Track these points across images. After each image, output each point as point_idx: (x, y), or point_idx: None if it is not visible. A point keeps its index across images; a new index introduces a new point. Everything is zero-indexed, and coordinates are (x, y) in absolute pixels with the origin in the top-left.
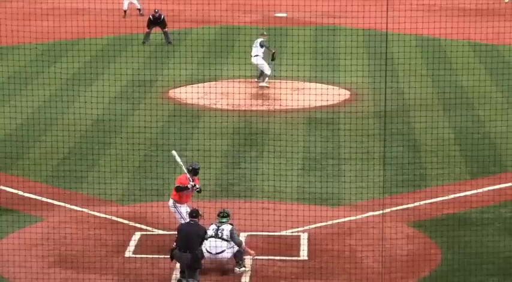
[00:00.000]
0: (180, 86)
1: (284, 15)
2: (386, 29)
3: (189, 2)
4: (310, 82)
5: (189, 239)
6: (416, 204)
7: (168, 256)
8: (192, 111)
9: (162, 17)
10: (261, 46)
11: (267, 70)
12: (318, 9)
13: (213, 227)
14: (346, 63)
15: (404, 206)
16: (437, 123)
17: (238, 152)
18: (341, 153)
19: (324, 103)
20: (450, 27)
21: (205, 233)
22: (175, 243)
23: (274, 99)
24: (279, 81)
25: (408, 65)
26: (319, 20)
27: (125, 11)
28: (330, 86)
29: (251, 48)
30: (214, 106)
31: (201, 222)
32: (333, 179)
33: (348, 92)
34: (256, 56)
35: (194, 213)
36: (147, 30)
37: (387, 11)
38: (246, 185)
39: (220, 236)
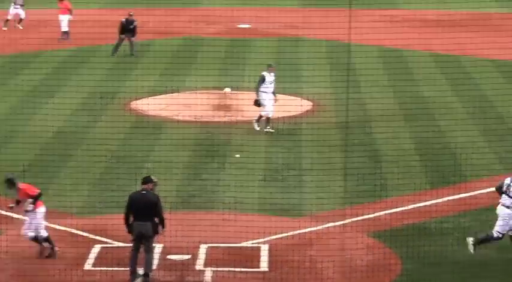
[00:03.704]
0: (142, 98)
1: (247, 26)
2: (349, 39)
3: (152, 13)
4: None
5: (144, 209)
6: (377, 214)
7: (128, 269)
8: (154, 123)
9: (135, 23)
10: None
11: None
12: (281, 21)
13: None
14: (308, 74)
15: (365, 217)
16: (398, 134)
17: (200, 164)
18: (302, 164)
19: (286, 114)
20: (412, 38)
21: (158, 199)
22: (125, 217)
23: (237, 111)
24: (241, 92)
25: (370, 75)
26: (282, 31)
27: (7, 21)
28: (292, 97)
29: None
30: (176, 117)
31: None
32: (294, 189)
33: (310, 103)
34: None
35: (144, 180)
36: (119, 37)
37: (350, 22)
38: (207, 196)
39: None
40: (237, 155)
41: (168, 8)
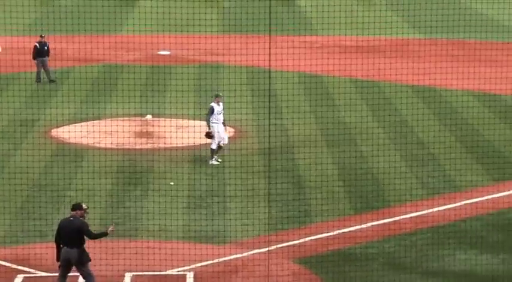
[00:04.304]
0: (63, 125)
1: (167, 53)
2: (269, 66)
3: (71, 40)
4: (194, 120)
5: (71, 234)
6: (302, 240)
7: None
8: (76, 151)
9: (48, 44)
10: (211, 111)
11: (213, 143)
12: (202, 47)
13: None
14: (230, 100)
15: (290, 243)
16: (321, 160)
17: (123, 191)
18: (226, 191)
19: (209, 141)
20: (332, 64)
21: (86, 226)
22: (55, 243)
23: (159, 137)
24: (163, 119)
25: (291, 101)
26: (203, 57)
27: None
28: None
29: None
30: (97, 145)
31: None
32: (218, 216)
33: (232, 129)
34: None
35: (73, 207)
36: (35, 62)
37: (269, 48)
38: (131, 224)
39: None
40: (172, 183)
41: (87, 35)
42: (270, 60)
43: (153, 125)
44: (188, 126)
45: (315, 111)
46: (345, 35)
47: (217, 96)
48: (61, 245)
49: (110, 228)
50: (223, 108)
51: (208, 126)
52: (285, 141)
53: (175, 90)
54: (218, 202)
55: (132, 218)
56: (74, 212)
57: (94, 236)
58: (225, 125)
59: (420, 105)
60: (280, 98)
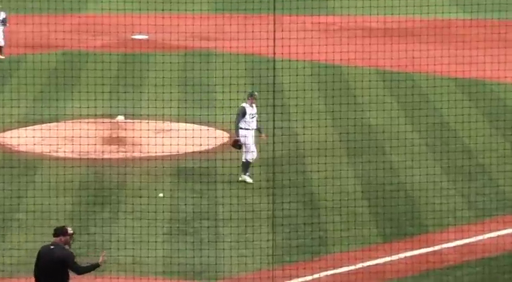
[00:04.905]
0: (10, 129)
1: (144, 37)
2: (274, 53)
3: (22, 21)
4: (178, 122)
5: (51, 267)
6: (315, 276)
7: None
8: (27, 161)
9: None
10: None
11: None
12: (188, 30)
13: None
14: (224, 97)
15: (300, 280)
16: (339, 173)
17: (87, 213)
18: (218, 213)
19: (197, 148)
20: (353, 51)
21: (72, 257)
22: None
23: (133, 145)
24: (138, 121)
25: (302, 99)
26: (190, 43)
27: None
28: (204, 127)
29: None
30: (55, 154)
31: None
32: (209, 245)
33: (226, 134)
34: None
35: (55, 231)
36: None
37: (274, 31)
38: (97, 255)
39: None
40: (160, 195)
41: (42, 15)
42: (274, 47)
43: (125, 129)
44: (170, 129)
45: (332, 110)
46: (370, 14)
47: (251, 95)
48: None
49: (101, 258)
50: (257, 113)
51: (236, 132)
52: (293, 149)
53: (154, 85)
54: (208, 227)
55: (98, 248)
56: (56, 239)
57: (82, 270)
58: (261, 133)
59: (466, 103)
60: (288, 94)
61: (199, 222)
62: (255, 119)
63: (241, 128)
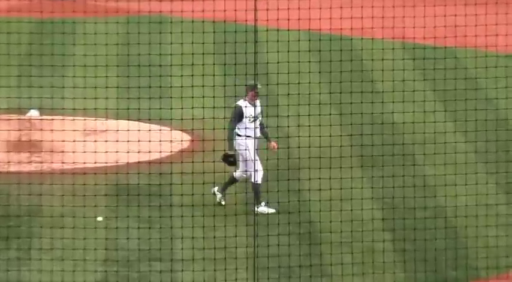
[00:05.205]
0: None
1: None
2: (255, 19)
3: None
4: (117, 119)
5: None
6: None
7: None
8: None
9: None
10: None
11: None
12: None
13: None
14: (184, 83)
15: None
16: (350, 192)
17: None
18: (176, 251)
19: (145, 157)
20: (368, 17)
21: None
22: None
23: (52, 152)
24: (59, 117)
25: (296, 85)
26: (135, 5)
27: None
28: (155, 126)
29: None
30: None
31: None
32: None
33: (187, 137)
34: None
35: None
36: None
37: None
38: None
39: None
40: (99, 218)
41: None
42: (255, 11)
43: (41, 129)
44: (106, 130)
45: (339, 102)
46: None
47: (251, 88)
48: None
49: None
50: (261, 112)
51: (230, 144)
52: (283, 157)
53: (82, 65)
54: (161, 271)
55: None
56: None
57: None
58: (269, 141)
59: None
60: (276, 78)
61: (147, 264)
62: (258, 122)
63: (239, 136)
